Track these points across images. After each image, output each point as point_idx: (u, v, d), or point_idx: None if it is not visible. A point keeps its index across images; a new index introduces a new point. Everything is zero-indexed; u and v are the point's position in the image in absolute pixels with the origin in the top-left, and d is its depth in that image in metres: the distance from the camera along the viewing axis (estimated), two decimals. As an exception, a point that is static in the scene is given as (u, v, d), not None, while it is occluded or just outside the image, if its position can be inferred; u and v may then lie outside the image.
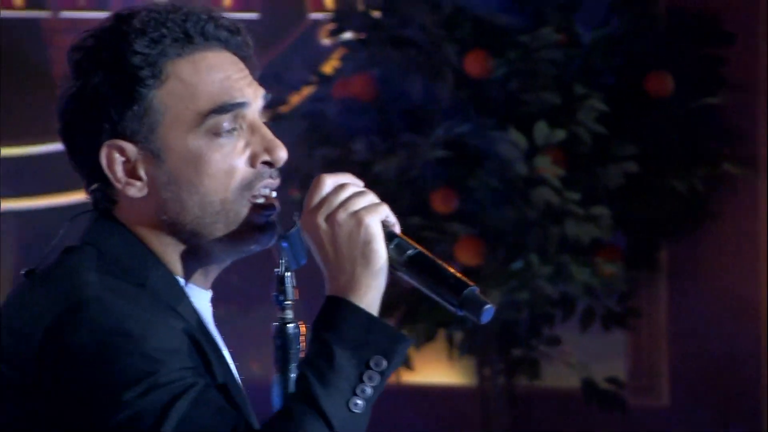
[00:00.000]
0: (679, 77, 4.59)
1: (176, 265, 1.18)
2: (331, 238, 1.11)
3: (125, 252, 1.17)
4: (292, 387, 1.14)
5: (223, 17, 1.23)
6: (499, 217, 4.29)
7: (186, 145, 1.17)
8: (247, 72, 1.21)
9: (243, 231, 1.17)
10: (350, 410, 1.06)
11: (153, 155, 1.16)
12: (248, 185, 1.18)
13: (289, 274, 1.23)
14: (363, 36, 4.60)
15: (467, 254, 4.31)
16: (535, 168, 4.18)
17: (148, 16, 1.18)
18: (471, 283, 1.11)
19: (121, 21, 1.18)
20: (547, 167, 4.17)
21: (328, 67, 5.11)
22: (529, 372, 4.55)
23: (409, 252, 1.13)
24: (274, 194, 1.20)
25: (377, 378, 1.07)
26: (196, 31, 1.19)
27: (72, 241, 1.21)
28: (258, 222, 1.18)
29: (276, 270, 1.22)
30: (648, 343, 5.02)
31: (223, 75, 1.18)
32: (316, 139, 4.44)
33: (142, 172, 1.17)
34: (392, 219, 1.14)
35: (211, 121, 1.15)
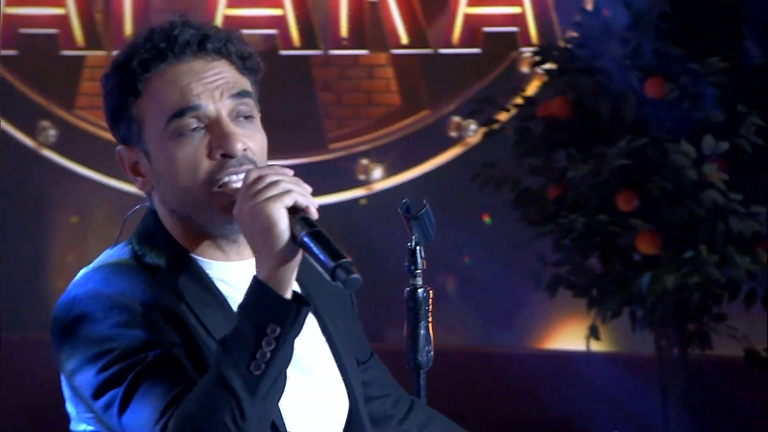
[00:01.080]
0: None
1: (187, 242, 1.28)
2: (244, 226, 1.17)
3: (149, 236, 1.30)
4: (422, 342, 1.39)
5: (211, 27, 1.31)
6: (674, 215, 4.55)
7: (160, 146, 1.26)
8: (219, 76, 1.26)
9: (211, 214, 1.25)
10: (251, 372, 1.08)
11: (146, 156, 1.29)
12: (211, 174, 1.24)
13: (419, 248, 1.40)
14: (561, 66, 4.93)
15: (646, 245, 4.58)
16: (704, 174, 4.45)
17: (128, 45, 1.29)
18: (347, 257, 1.12)
19: (118, 53, 1.31)
20: (714, 173, 4.44)
21: (530, 91, 5.55)
22: (700, 343, 4.81)
23: (304, 232, 1.13)
24: (237, 182, 1.21)
25: (274, 343, 1.09)
26: (169, 47, 1.26)
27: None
28: (220, 206, 1.24)
29: (408, 244, 1.41)
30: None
31: (184, 83, 1.25)
32: (523, 150, 4.87)
33: (143, 170, 1.30)
34: (304, 202, 1.15)
35: (173, 124, 1.24)
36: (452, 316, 6.25)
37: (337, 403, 1.33)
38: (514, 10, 6.40)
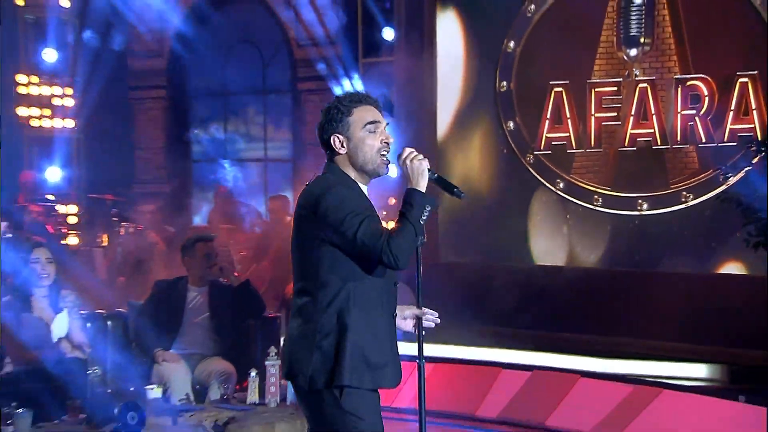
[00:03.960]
0: None
1: (354, 176, 3.10)
2: (411, 171, 2.99)
3: (340, 177, 3.09)
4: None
5: (370, 96, 3.21)
6: None
7: (358, 134, 3.07)
8: (380, 113, 3.16)
9: (376, 168, 3.09)
10: (420, 222, 2.94)
11: (348, 139, 3.09)
12: (378, 150, 3.08)
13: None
14: None
15: None
16: None
17: (345, 95, 3.20)
18: (456, 186, 3.11)
19: (338, 98, 3.21)
20: None
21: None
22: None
23: (435, 175, 3.06)
24: (389, 154, 3.12)
25: (428, 212, 2.96)
26: (362, 99, 3.15)
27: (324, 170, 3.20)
28: (382, 164, 3.09)
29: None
30: None
31: (371, 114, 3.11)
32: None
33: (344, 145, 3.09)
34: (428, 165, 3.05)
35: (367, 126, 3.08)
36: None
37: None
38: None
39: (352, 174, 3.22)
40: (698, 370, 7.42)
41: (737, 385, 7.13)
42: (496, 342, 8.29)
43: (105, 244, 10.25)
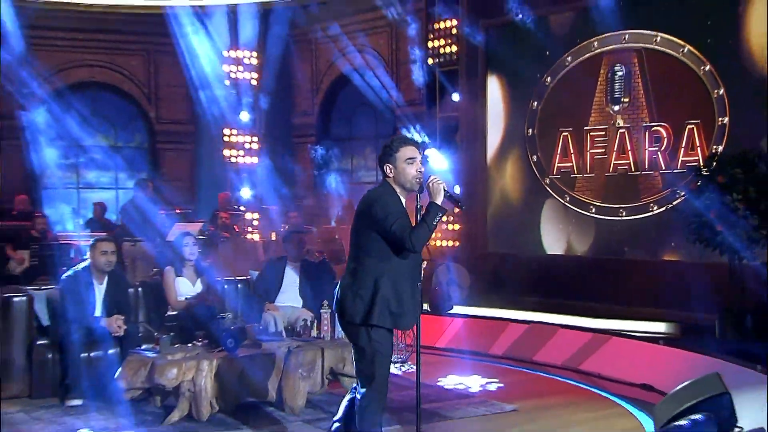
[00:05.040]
0: None
1: (399, 192, 4.00)
2: (432, 189, 3.92)
3: (388, 190, 4.00)
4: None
5: (412, 139, 4.18)
6: None
7: (401, 166, 3.98)
8: (418, 151, 4.03)
9: (411, 187, 3.99)
10: (434, 223, 3.90)
11: (395, 167, 4.00)
12: (413, 176, 3.97)
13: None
14: None
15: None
16: None
17: (396, 138, 4.16)
18: (461, 200, 4.27)
19: (392, 139, 4.15)
20: None
21: None
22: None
23: (448, 194, 3.95)
24: (421, 179, 3.97)
25: (439, 217, 3.89)
26: (406, 141, 4.08)
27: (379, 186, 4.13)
28: (415, 185, 3.99)
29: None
30: None
31: (410, 152, 4.01)
32: None
33: (391, 171, 4.00)
34: (445, 186, 3.94)
35: (407, 160, 3.98)
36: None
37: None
38: None
39: (397, 189, 4.05)
40: (658, 327, 8.45)
41: (686, 336, 8.07)
42: (511, 305, 9.58)
43: (273, 238, 11.79)
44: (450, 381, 7.17)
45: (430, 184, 3.95)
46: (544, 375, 7.64)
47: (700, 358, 6.75)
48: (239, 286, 7.56)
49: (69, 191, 14.63)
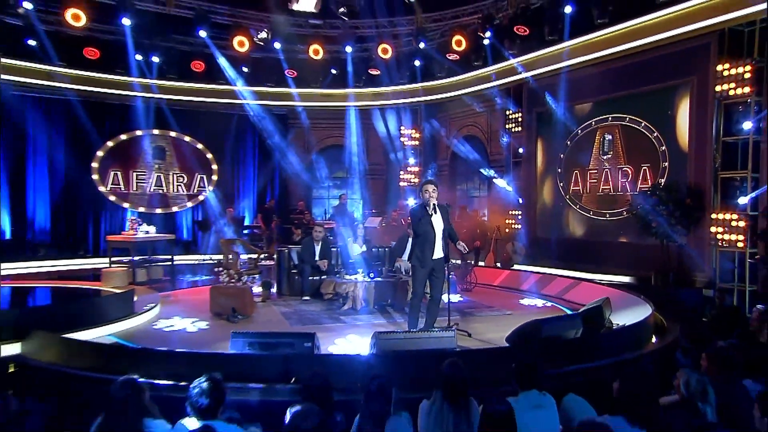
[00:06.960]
0: None
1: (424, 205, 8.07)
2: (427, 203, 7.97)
3: (420, 204, 7.93)
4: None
5: (430, 179, 8.06)
6: None
7: (423, 194, 7.94)
8: (431, 185, 7.97)
9: (426, 204, 7.90)
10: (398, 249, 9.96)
11: (421, 194, 7.89)
12: (427, 199, 7.84)
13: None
14: None
15: None
16: None
17: (424, 180, 8.62)
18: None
19: (422, 180, 9.24)
20: None
21: None
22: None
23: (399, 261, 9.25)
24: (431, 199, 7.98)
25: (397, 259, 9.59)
26: (427, 182, 8.09)
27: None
28: (429, 203, 7.76)
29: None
30: None
31: (427, 186, 7.97)
32: None
33: (420, 196, 7.98)
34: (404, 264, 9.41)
35: (423, 190, 8.00)
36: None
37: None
38: None
39: (422, 204, 7.49)
40: (621, 279, 11.58)
41: (643, 286, 10.62)
42: (540, 264, 13.24)
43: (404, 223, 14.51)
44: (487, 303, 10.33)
45: (431, 203, 7.16)
46: (545, 301, 10.48)
47: (621, 293, 9.40)
48: (386, 249, 11.31)
49: (323, 200, 19.90)
